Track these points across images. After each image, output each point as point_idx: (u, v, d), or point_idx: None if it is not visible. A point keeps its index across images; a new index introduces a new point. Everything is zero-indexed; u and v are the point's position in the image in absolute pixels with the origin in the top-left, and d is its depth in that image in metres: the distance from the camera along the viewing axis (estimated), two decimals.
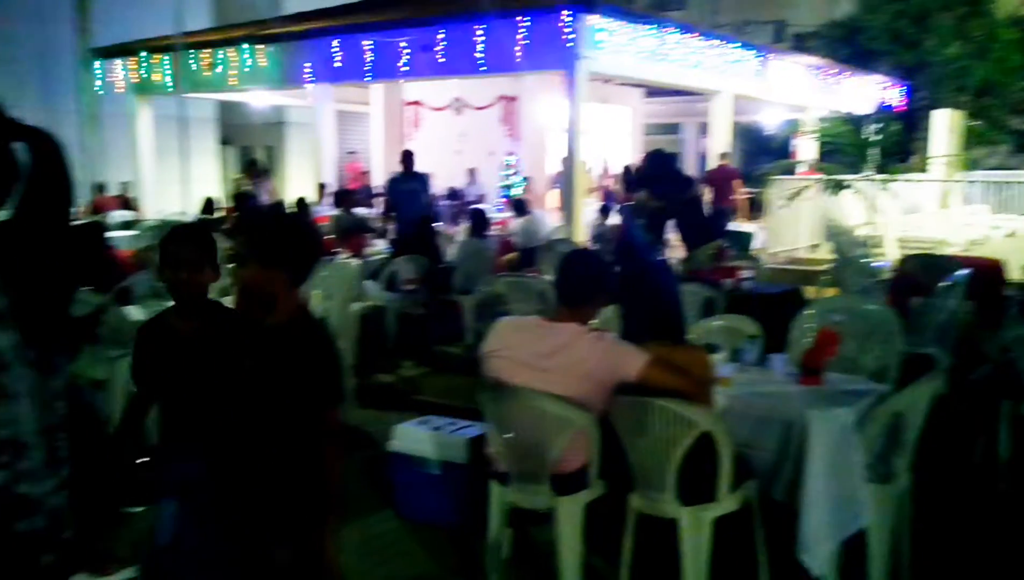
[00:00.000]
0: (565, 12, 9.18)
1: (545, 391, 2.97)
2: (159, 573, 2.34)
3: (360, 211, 11.92)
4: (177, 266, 2.34)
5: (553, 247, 8.17)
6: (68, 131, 15.51)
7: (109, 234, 8.36)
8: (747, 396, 3.29)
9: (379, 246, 9.01)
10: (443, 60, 10.36)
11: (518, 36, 9.57)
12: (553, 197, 13.43)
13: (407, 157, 9.15)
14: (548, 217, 11.20)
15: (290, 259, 2.33)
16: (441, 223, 10.97)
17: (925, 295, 5.71)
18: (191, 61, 12.91)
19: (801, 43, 19.35)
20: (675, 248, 7.40)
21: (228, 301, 2.59)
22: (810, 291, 7.00)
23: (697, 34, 10.82)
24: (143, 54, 13.67)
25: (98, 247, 5.67)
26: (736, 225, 11.16)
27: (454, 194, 14.30)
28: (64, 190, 2.48)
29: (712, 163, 12.24)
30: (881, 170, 10.41)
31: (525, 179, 15.07)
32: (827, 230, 10.58)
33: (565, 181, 10.37)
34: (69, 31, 14.76)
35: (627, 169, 12.82)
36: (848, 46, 18.14)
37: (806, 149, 13.81)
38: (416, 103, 16.28)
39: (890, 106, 15.40)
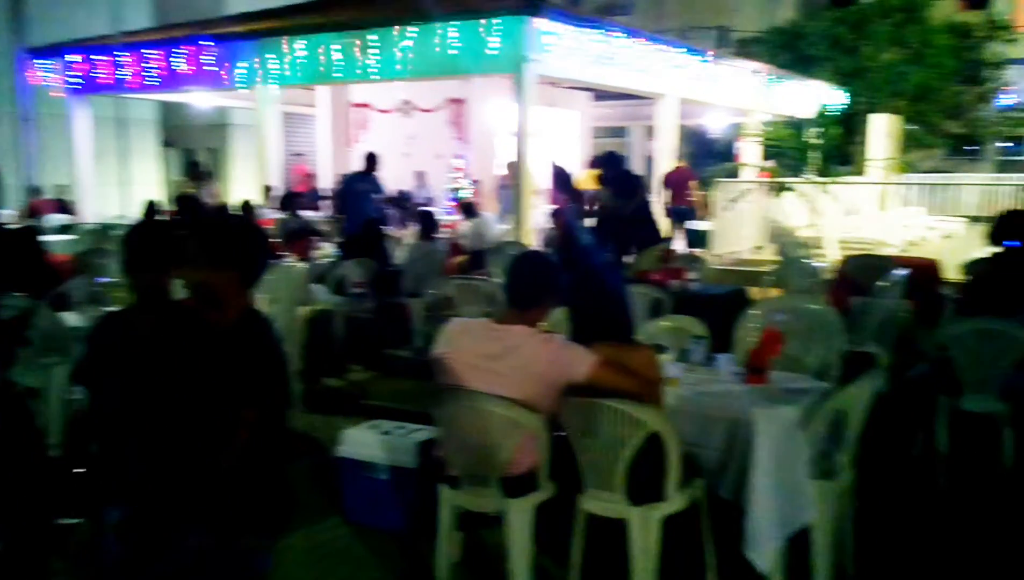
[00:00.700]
0: (512, 15, 9.18)
1: (495, 393, 2.97)
2: None
3: (307, 214, 11.80)
4: (140, 267, 2.30)
5: (502, 249, 8.18)
6: (2, 132, 15.15)
7: (44, 238, 8.12)
8: (694, 396, 3.33)
9: (326, 249, 8.91)
10: (399, 63, 10.21)
11: (467, 39, 9.53)
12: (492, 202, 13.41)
13: (371, 159, 9.05)
14: (496, 220, 11.22)
15: (242, 260, 2.31)
16: (390, 226, 10.89)
17: (865, 295, 5.86)
18: (131, 61, 12.58)
19: (744, 48, 19.71)
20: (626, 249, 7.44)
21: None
22: (754, 292, 7.09)
23: (643, 39, 10.92)
24: (80, 54, 13.31)
25: (32, 251, 5.51)
26: (695, 224, 11.50)
27: (402, 197, 14.21)
28: None
29: (660, 166, 12.39)
30: (822, 173, 10.60)
31: (474, 182, 15.04)
32: (771, 232, 10.81)
33: (513, 184, 10.37)
34: (4, 31, 14.33)
35: (559, 170, 12.26)
36: (789, 51, 18.53)
37: (749, 152, 14.04)
38: (363, 105, 16.13)
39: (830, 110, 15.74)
